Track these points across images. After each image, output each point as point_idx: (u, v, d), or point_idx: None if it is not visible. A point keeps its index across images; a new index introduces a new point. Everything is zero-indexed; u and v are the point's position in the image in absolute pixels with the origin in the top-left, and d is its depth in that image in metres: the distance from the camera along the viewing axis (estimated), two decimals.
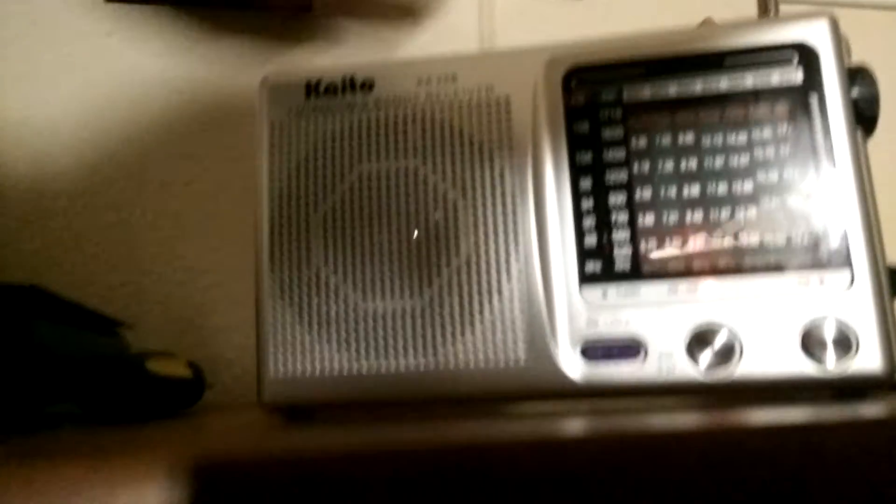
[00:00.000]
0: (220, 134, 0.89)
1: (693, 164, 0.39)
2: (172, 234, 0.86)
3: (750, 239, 0.37)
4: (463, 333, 0.39)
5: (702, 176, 0.39)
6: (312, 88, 0.43)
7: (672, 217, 0.38)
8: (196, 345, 0.84)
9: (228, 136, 0.88)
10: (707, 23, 0.89)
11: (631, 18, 1.00)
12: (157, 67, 0.89)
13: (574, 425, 0.30)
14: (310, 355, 0.40)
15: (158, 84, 0.89)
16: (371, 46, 0.94)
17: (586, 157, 0.40)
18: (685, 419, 0.30)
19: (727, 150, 0.39)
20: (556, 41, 0.42)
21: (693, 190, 0.38)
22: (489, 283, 0.39)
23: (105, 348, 0.62)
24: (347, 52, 0.93)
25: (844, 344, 0.36)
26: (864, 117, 0.38)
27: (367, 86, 0.43)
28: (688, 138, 0.39)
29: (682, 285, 0.38)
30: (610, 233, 0.39)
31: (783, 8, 0.43)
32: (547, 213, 0.39)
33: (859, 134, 0.38)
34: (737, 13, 0.92)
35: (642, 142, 0.39)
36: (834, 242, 0.37)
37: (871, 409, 0.30)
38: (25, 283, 0.55)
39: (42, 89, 0.86)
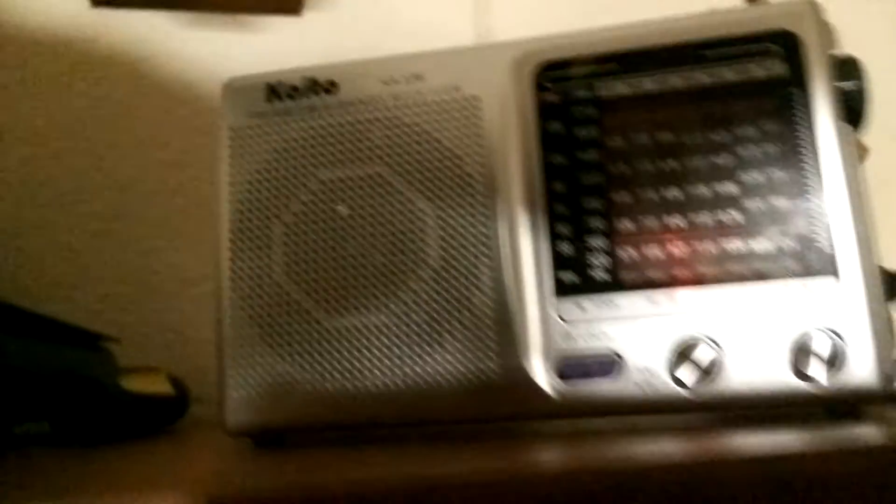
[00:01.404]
0: (208, 139, 0.87)
1: (673, 164, 0.36)
2: (161, 244, 0.85)
3: (734, 244, 0.35)
4: (431, 349, 0.37)
5: (682, 177, 0.36)
6: (274, 91, 0.41)
7: (651, 222, 0.36)
8: (186, 357, 0.82)
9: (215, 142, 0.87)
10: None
11: (633, 6, 0.97)
12: (143, 72, 0.87)
13: (549, 455, 0.28)
14: (272, 374, 0.38)
15: (145, 89, 0.87)
16: (361, 46, 0.92)
17: (559, 159, 0.37)
18: (667, 446, 0.27)
19: (709, 148, 0.36)
20: (530, 36, 0.40)
21: (673, 192, 0.36)
22: (459, 295, 0.37)
23: (82, 364, 0.60)
24: (337, 53, 0.91)
25: (835, 356, 0.33)
26: (851, 111, 0.36)
27: (331, 87, 0.40)
28: (667, 137, 0.37)
29: (663, 296, 0.35)
30: (585, 240, 0.36)
31: None
32: (519, 220, 0.37)
33: (847, 129, 0.36)
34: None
35: (619, 141, 0.37)
36: (822, 247, 0.34)
37: (866, 432, 0.27)
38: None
39: (27, 96, 0.84)
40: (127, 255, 0.84)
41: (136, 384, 0.56)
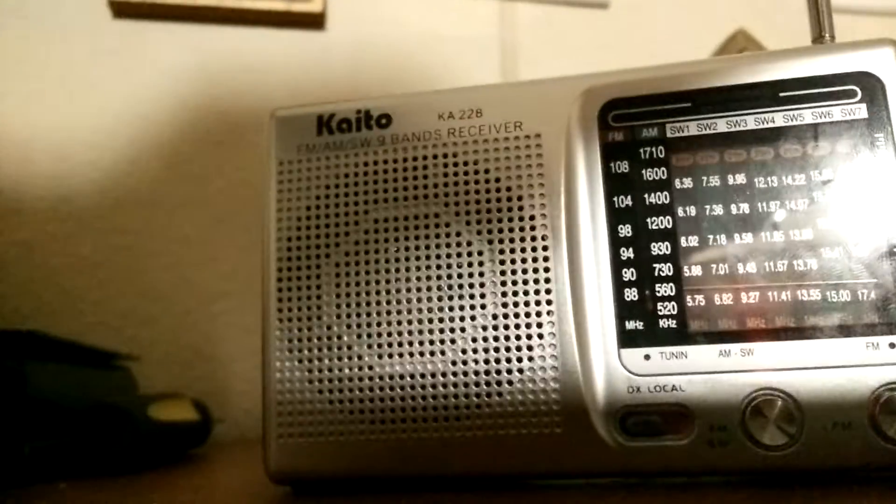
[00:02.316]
0: (230, 153, 0.86)
1: (745, 208, 0.35)
2: (182, 259, 0.83)
3: (811, 295, 0.33)
4: (489, 399, 0.35)
5: (755, 222, 0.35)
6: (324, 124, 0.40)
7: (722, 269, 0.34)
8: (205, 376, 0.81)
9: (239, 156, 0.85)
10: (740, 34, 0.85)
11: (658, 28, 0.96)
12: (165, 85, 0.86)
13: None
14: (320, 421, 0.37)
15: (167, 102, 0.86)
16: (385, 63, 0.91)
17: (626, 201, 0.36)
18: None
19: (783, 193, 0.35)
20: (590, 72, 0.38)
21: (745, 238, 0.35)
22: (518, 342, 0.35)
23: (108, 390, 0.58)
24: (360, 68, 0.90)
25: None
26: None
27: (384, 121, 0.39)
28: (738, 179, 0.35)
29: (735, 349, 0.34)
30: (652, 287, 0.35)
31: (838, 19, 0.38)
32: (582, 265, 0.36)
33: None
34: (768, 22, 0.88)
35: (688, 184, 0.35)
36: None
37: None
38: (23, 329, 0.52)
39: (49, 109, 0.83)
40: (147, 271, 0.83)
41: (162, 412, 0.54)
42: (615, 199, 0.36)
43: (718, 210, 0.35)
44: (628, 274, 0.35)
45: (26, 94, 0.83)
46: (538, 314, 0.35)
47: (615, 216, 0.36)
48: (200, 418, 0.62)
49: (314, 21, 0.89)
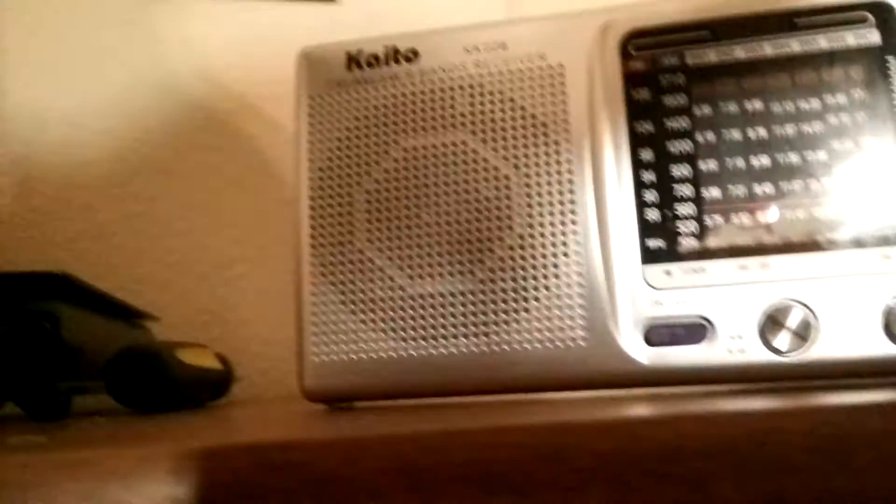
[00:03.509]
0: (243, 122, 0.87)
1: (762, 132, 0.36)
2: (197, 225, 0.84)
3: (825, 212, 0.35)
4: (517, 316, 0.37)
5: (771, 145, 0.36)
6: (353, 60, 0.41)
7: (740, 190, 0.36)
8: (221, 338, 0.82)
9: (253, 125, 0.87)
10: None
11: None
12: (181, 55, 0.87)
13: (659, 407, 0.27)
14: (354, 340, 0.38)
15: (183, 72, 0.87)
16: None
17: (647, 127, 0.37)
18: (770, 401, 0.27)
19: (798, 117, 0.36)
20: (609, 5, 0.39)
21: (762, 160, 0.36)
22: (545, 261, 0.37)
23: (132, 339, 0.60)
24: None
25: None
26: None
27: (412, 56, 0.40)
28: (756, 105, 0.36)
29: (753, 263, 0.35)
30: (673, 207, 0.36)
31: None
32: (606, 187, 0.37)
33: None
34: None
35: (707, 109, 0.37)
36: None
37: None
38: (56, 271, 0.54)
39: (66, 78, 0.84)
40: (163, 237, 0.84)
41: (191, 357, 0.56)
42: (636, 125, 0.37)
43: (736, 134, 0.36)
44: (650, 195, 0.37)
45: (41, 62, 0.84)
46: (563, 234, 0.37)
47: (637, 141, 0.37)
48: (223, 368, 0.63)
49: None
